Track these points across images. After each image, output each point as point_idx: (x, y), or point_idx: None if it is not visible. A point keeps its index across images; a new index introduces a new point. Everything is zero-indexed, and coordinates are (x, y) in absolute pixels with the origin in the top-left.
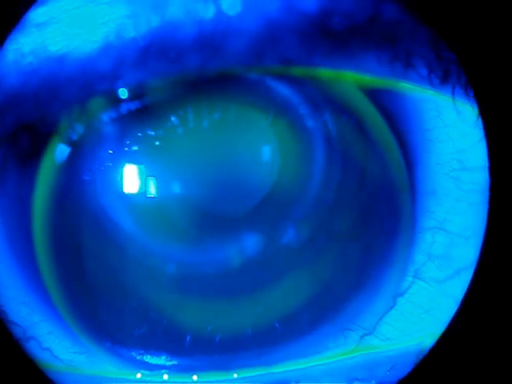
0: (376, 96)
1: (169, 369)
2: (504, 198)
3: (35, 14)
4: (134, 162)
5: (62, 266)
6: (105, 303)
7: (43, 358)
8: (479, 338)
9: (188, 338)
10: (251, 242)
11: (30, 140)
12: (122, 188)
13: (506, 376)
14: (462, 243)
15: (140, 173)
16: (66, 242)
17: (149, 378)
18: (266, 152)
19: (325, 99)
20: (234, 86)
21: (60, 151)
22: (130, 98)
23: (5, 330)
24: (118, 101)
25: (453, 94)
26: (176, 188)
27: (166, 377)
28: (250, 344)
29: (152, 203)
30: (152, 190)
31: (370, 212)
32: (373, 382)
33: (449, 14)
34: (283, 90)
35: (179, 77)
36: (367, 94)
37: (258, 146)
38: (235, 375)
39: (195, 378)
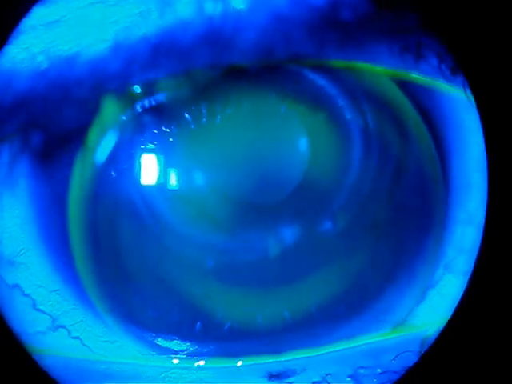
0: (410, 89)
1: (204, 355)
2: None
3: (44, 13)
4: (166, 155)
5: (96, 254)
6: (138, 292)
7: (70, 347)
8: (486, 331)
9: (226, 326)
10: (287, 232)
11: (44, 139)
12: (153, 179)
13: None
14: None
15: (174, 165)
16: (101, 230)
17: (183, 365)
18: (301, 143)
19: (362, 91)
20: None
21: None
22: (143, 98)
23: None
24: (131, 101)
25: (463, 86)
26: (212, 179)
27: (202, 363)
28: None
29: (189, 194)
30: (187, 182)
31: (405, 204)
32: (378, 369)
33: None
34: (320, 81)
35: (192, 73)
36: (401, 87)
37: (293, 138)
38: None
39: (240, 363)
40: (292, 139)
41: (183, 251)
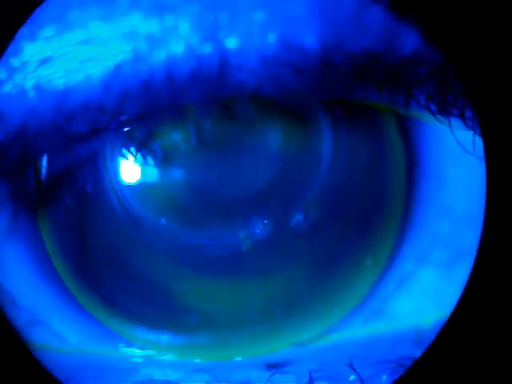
0: None
1: (173, 348)
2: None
3: (35, 49)
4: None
5: (68, 248)
6: (112, 284)
7: (50, 341)
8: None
9: (194, 318)
10: (260, 226)
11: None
12: (128, 178)
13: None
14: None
15: (144, 164)
16: (74, 223)
17: (156, 358)
18: (273, 137)
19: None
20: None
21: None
22: (133, 129)
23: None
24: (119, 129)
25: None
26: (184, 174)
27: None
28: (253, 325)
29: (161, 188)
30: (158, 179)
31: (376, 197)
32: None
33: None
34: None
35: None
36: None
37: (264, 129)
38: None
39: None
40: (264, 134)
41: (155, 245)
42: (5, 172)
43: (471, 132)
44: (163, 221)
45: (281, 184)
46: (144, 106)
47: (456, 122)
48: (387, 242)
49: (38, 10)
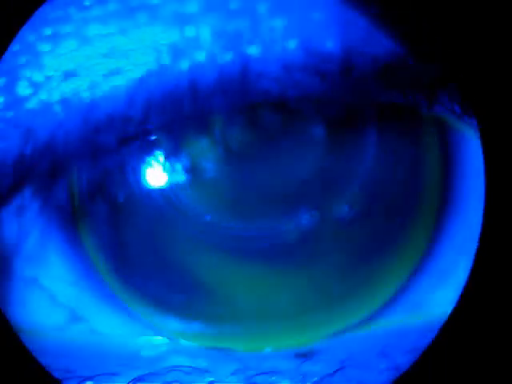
0: None
1: (205, 337)
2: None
3: (58, 64)
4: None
5: (112, 241)
6: (157, 280)
7: (90, 338)
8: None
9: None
10: (306, 218)
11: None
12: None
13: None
14: None
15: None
16: (114, 217)
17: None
18: (316, 131)
19: None
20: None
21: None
22: (160, 138)
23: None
24: (148, 140)
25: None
26: (229, 166)
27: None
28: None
29: (205, 182)
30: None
31: (421, 188)
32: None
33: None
34: None
35: (206, 116)
36: None
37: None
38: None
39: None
40: (307, 128)
41: (201, 239)
42: (35, 186)
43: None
44: (209, 214)
45: (326, 175)
46: (169, 116)
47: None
48: (425, 235)
49: (58, 23)
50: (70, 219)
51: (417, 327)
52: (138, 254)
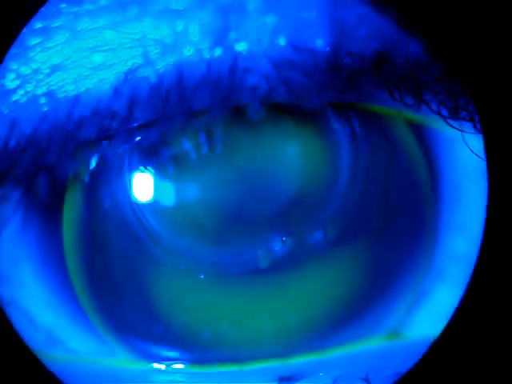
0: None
1: (183, 361)
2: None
3: (46, 57)
4: (159, 174)
5: (89, 266)
6: (131, 305)
7: (67, 357)
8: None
9: (206, 335)
10: (279, 244)
11: (49, 181)
12: (146, 197)
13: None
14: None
15: (162, 182)
16: (94, 244)
17: (165, 369)
18: (290, 154)
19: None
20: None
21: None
22: (144, 134)
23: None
24: (132, 137)
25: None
26: (201, 193)
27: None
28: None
29: (181, 208)
30: (179, 198)
31: (395, 212)
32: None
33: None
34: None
35: (192, 113)
36: None
37: (282, 149)
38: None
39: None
40: (281, 150)
41: (175, 264)
42: (16, 179)
43: (480, 136)
44: (180, 238)
45: (299, 201)
46: (154, 112)
47: (466, 127)
48: (405, 261)
49: (48, 17)
50: (50, 212)
51: (400, 350)
52: (111, 277)
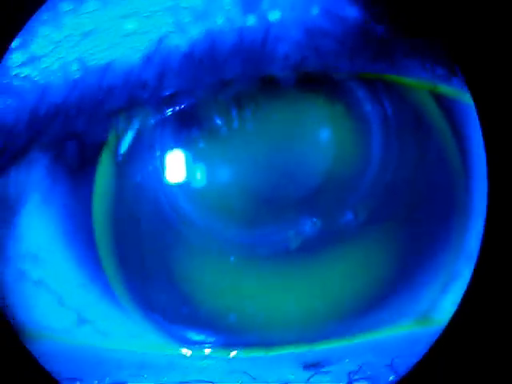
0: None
1: (238, 345)
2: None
3: (78, 23)
4: (190, 154)
5: (120, 249)
6: (162, 287)
7: (95, 340)
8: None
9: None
10: (309, 225)
11: (78, 148)
12: (178, 178)
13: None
14: None
15: (198, 163)
16: (126, 226)
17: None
18: (322, 136)
19: (381, 84)
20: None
21: (111, 155)
22: (175, 105)
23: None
24: (163, 108)
25: None
26: (235, 175)
27: (208, 351)
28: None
29: (212, 190)
30: (210, 179)
31: (426, 196)
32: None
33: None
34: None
35: (223, 84)
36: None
37: (314, 130)
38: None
39: (233, 354)
40: (313, 131)
41: (205, 246)
42: (45, 144)
43: None
44: (210, 220)
45: (331, 182)
46: (186, 81)
47: None
48: (437, 243)
49: None
50: (81, 183)
51: (427, 336)
52: (140, 257)
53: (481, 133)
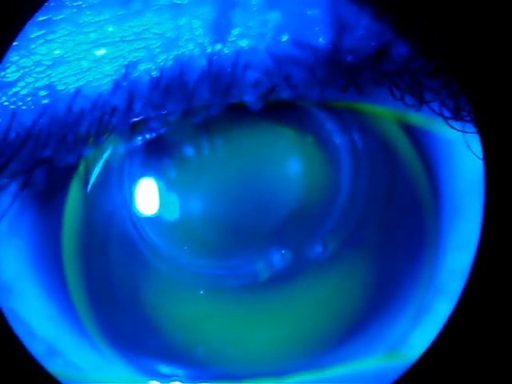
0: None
1: (180, 377)
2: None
3: (47, 49)
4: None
5: (89, 278)
6: (131, 318)
7: (66, 372)
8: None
9: (202, 350)
10: (278, 257)
11: (47, 176)
12: (147, 208)
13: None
14: None
15: (163, 194)
16: (94, 256)
17: None
18: (292, 167)
19: (351, 116)
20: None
21: (80, 184)
22: (144, 132)
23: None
24: (132, 135)
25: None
26: (203, 206)
27: None
28: (266, 356)
29: (182, 221)
30: (177, 210)
31: (395, 228)
32: None
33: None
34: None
35: (192, 111)
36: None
37: (283, 161)
38: None
39: None
40: (282, 162)
41: (174, 277)
42: (14, 171)
43: (478, 138)
44: (181, 251)
45: (300, 213)
46: (154, 107)
47: (466, 128)
48: (406, 276)
49: (51, 10)
50: (49, 212)
51: (392, 369)
52: (110, 288)
53: (452, 163)
